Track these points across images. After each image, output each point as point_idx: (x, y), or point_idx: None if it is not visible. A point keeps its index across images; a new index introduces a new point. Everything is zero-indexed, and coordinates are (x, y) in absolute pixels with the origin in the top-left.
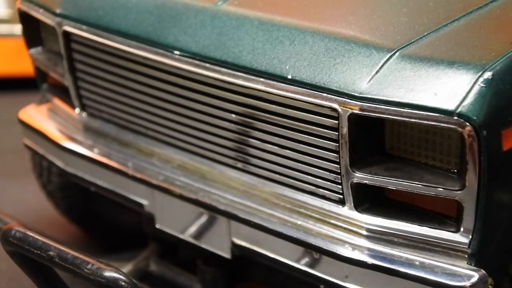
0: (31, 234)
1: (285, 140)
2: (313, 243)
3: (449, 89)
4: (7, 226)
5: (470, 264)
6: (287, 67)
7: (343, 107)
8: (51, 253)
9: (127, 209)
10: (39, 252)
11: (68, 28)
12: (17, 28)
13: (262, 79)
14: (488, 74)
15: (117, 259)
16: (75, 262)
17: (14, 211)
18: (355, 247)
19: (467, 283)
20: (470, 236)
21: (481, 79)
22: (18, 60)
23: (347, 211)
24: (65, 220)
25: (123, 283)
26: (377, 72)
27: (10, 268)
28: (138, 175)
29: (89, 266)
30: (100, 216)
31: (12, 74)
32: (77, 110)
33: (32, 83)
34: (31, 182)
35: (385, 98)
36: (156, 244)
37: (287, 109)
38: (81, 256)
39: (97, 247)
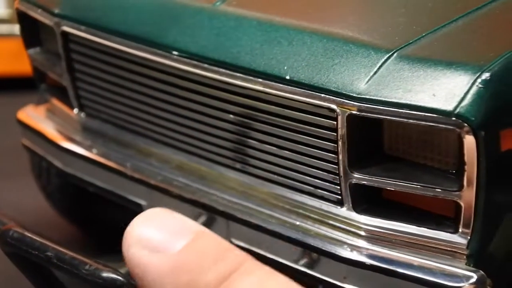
0: (28, 234)
1: (283, 141)
2: (312, 244)
3: (447, 90)
4: (5, 227)
5: (469, 265)
6: (285, 67)
7: (341, 107)
8: (48, 253)
9: (126, 210)
10: (36, 253)
11: (66, 28)
12: (17, 28)
13: (260, 80)
14: (486, 75)
15: (116, 260)
16: (72, 263)
17: (12, 212)
18: (354, 248)
19: (466, 284)
20: (469, 237)
21: (479, 80)
22: (17, 60)
23: (346, 211)
24: (64, 221)
25: (121, 284)
26: (375, 72)
27: (8, 269)
28: (137, 176)
29: (87, 267)
30: (98, 216)
31: (11, 74)
32: (76, 110)
33: (31, 83)
34: (30, 183)
35: (383, 99)
36: None
37: (285, 110)
38: (79, 257)
39: (95, 248)
